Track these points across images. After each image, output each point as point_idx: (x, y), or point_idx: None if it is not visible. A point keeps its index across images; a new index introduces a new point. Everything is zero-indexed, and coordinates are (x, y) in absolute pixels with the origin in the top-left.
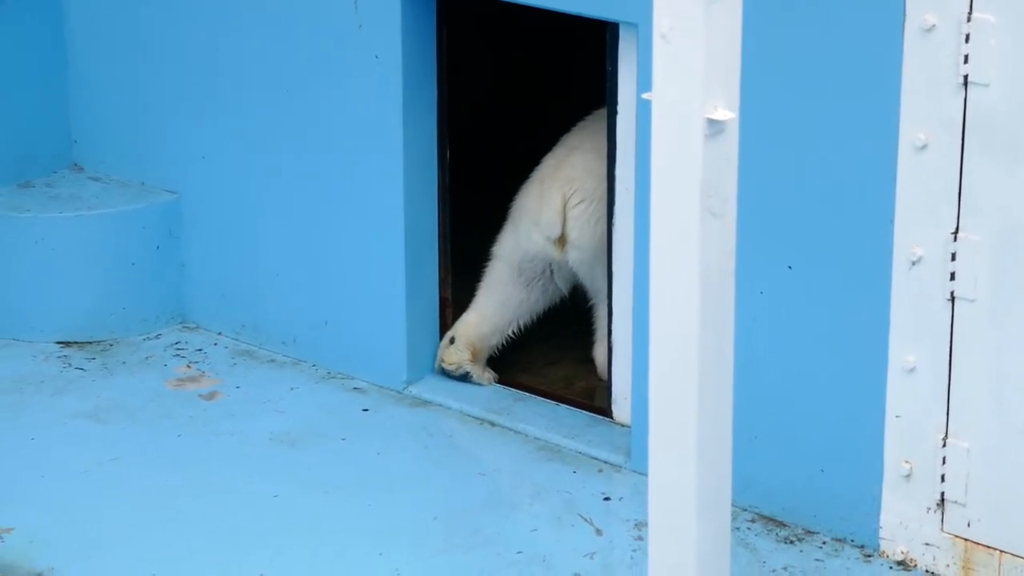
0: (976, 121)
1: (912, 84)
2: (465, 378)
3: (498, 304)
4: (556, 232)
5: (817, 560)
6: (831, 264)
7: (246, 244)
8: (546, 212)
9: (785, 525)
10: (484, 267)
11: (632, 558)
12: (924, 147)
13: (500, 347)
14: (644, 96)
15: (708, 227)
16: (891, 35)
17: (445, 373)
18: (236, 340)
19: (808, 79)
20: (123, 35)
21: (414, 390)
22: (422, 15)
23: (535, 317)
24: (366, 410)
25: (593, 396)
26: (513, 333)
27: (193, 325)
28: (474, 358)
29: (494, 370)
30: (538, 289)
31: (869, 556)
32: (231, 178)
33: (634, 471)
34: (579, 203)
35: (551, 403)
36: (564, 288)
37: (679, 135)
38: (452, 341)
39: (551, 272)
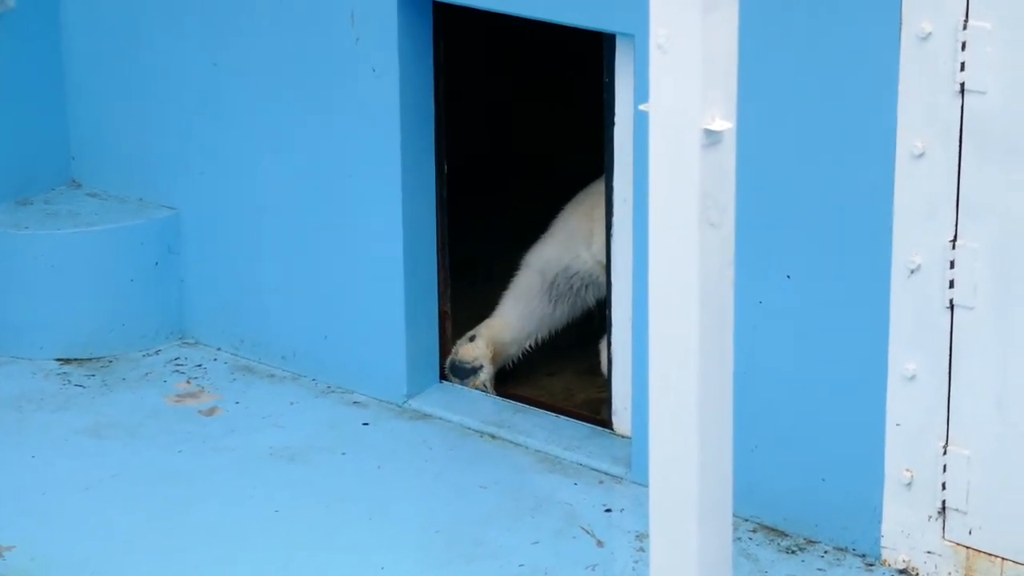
0: (973, 128)
1: (909, 92)
2: (475, 373)
3: (521, 315)
4: None
5: (819, 569)
6: (830, 273)
7: (245, 259)
8: (599, 238)
9: (786, 535)
10: (513, 276)
11: (634, 569)
12: (921, 155)
13: (514, 361)
14: (641, 107)
15: (707, 237)
16: (888, 43)
17: (455, 369)
18: (235, 355)
19: (805, 88)
20: (121, 51)
21: (414, 404)
22: (419, 28)
23: (553, 332)
24: (366, 424)
25: (594, 408)
26: (530, 347)
27: (192, 341)
28: (493, 358)
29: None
30: (565, 303)
31: (871, 565)
32: (230, 193)
33: (635, 482)
34: None
35: (551, 415)
36: (592, 302)
37: (677, 146)
38: (472, 339)
39: (586, 288)
